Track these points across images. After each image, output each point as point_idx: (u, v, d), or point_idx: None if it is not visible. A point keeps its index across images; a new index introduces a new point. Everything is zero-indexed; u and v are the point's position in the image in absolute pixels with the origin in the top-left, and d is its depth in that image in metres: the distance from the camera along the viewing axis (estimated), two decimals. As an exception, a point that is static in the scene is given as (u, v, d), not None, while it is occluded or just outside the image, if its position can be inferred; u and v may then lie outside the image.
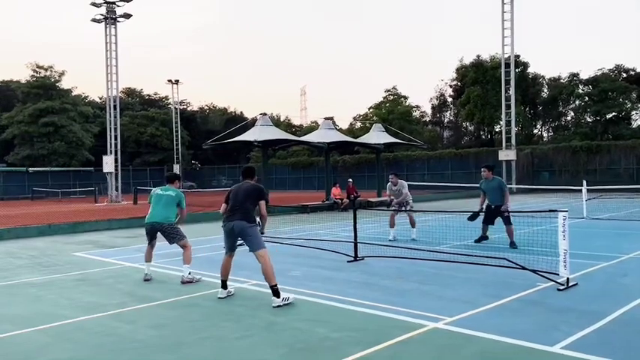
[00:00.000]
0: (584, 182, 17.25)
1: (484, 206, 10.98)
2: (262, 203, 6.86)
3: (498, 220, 10.73)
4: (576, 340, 4.84)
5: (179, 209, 8.38)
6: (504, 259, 7.77)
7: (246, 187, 6.89)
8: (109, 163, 32.26)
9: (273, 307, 6.25)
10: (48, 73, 49.72)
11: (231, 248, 6.94)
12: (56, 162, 47.57)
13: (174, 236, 8.25)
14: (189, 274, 7.99)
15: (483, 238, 10.95)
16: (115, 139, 32.75)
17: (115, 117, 32.88)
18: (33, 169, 45.47)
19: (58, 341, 5.33)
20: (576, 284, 7.00)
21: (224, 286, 6.92)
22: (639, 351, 4.63)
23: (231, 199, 6.86)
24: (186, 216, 8.91)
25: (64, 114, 47.79)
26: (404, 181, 12.49)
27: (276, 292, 6.35)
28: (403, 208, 12.23)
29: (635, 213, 17.60)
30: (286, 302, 6.36)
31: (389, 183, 12.45)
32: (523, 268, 7.40)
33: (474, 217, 10.94)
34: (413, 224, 12.21)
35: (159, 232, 8.30)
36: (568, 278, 6.85)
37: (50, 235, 15.28)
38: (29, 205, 30.50)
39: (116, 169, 32.60)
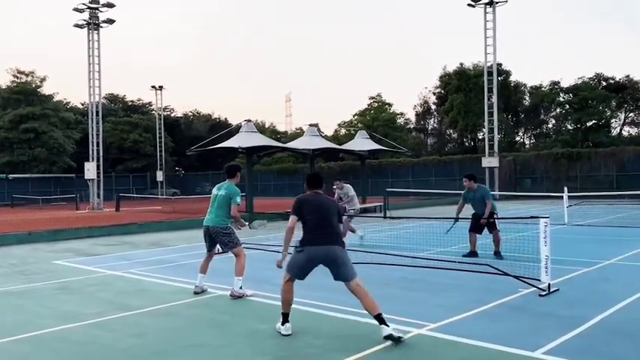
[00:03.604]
0: (566, 189, 17.45)
1: (462, 216, 10.24)
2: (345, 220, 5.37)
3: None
4: (558, 346, 4.89)
5: (233, 207, 7.24)
6: (487, 265, 7.84)
7: (328, 201, 5.82)
8: (90, 170, 31.88)
9: (384, 336, 5.04)
10: (29, 79, 49.01)
11: (303, 276, 5.64)
12: (37, 168, 46.84)
13: (226, 242, 7.36)
14: (241, 287, 7.19)
15: (473, 253, 10.13)
16: (97, 145, 32.41)
17: (97, 123, 32.56)
18: (13, 175, 44.71)
19: (38, 351, 5.25)
20: (558, 290, 7.08)
21: (287, 319, 5.49)
22: (620, 356, 4.69)
23: (313, 215, 5.61)
24: (239, 215, 7.45)
25: (45, 120, 47.10)
26: (349, 186, 13.11)
27: (382, 321, 5.13)
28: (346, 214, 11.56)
29: (615, 219, 17.89)
30: (399, 339, 5.02)
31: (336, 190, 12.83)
32: (505, 274, 7.47)
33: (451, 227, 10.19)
34: (347, 231, 11.43)
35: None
36: (549, 284, 6.92)
37: (30, 243, 15.02)
38: (9, 212, 29.98)
39: (98, 176, 32.22)
